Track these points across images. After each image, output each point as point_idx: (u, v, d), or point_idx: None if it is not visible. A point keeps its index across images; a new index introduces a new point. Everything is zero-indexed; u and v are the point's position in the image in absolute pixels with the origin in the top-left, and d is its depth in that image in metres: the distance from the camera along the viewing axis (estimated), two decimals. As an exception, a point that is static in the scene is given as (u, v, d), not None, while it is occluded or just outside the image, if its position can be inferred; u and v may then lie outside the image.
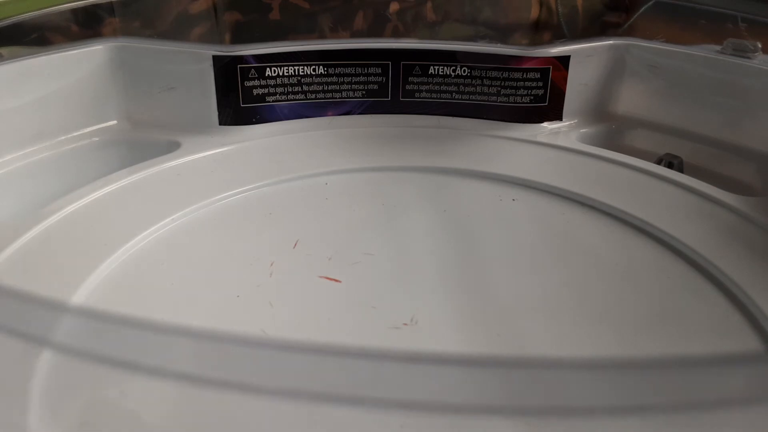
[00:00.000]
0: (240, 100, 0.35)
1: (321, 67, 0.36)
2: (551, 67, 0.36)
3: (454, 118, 0.37)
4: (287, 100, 0.36)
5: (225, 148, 0.33)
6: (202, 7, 0.40)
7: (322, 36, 0.40)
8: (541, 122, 0.36)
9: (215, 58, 0.34)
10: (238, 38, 0.40)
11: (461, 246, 0.28)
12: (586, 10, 0.41)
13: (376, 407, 0.13)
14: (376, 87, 0.36)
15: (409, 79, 0.36)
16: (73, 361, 0.20)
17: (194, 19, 0.39)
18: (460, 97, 0.37)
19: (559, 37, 0.39)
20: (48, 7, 0.35)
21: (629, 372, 0.09)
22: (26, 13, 0.34)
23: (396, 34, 0.41)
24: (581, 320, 0.23)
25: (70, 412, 0.18)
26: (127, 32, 0.36)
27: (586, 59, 0.36)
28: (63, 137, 0.33)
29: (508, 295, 0.25)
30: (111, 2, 0.36)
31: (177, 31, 0.39)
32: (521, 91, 0.36)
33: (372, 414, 0.17)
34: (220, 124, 0.35)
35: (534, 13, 0.41)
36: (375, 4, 0.41)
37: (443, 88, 0.36)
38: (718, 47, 0.35)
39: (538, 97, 0.36)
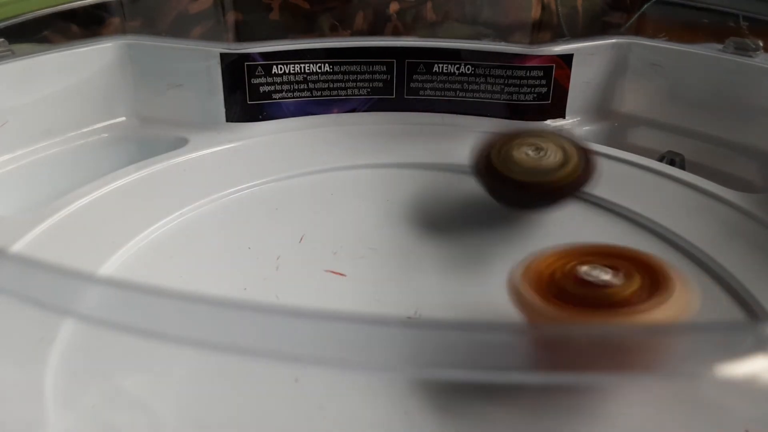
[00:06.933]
0: (247, 97, 0.35)
1: (327, 64, 0.36)
2: (554, 65, 0.36)
3: (458, 115, 0.37)
4: (293, 98, 0.36)
5: (232, 145, 0.34)
6: (205, 6, 0.40)
7: (322, 36, 0.41)
8: (544, 120, 0.37)
9: (222, 55, 0.34)
10: (237, 38, 0.40)
11: (465, 241, 0.28)
12: (586, 10, 0.42)
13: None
14: (381, 85, 0.37)
15: (414, 77, 0.37)
16: (84, 349, 0.20)
17: (199, 17, 0.40)
18: (464, 94, 0.37)
19: (560, 38, 0.39)
20: (57, 6, 0.35)
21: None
22: (35, 11, 0.34)
23: (396, 35, 0.41)
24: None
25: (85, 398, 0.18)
26: (133, 30, 0.37)
27: (589, 58, 0.36)
28: (72, 133, 0.34)
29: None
30: (120, 0, 0.37)
31: (183, 29, 0.39)
32: (525, 89, 0.36)
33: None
34: (227, 120, 0.35)
35: (534, 13, 0.42)
36: (375, 4, 0.41)
37: (447, 86, 0.37)
38: (719, 46, 0.35)
39: (542, 95, 0.36)
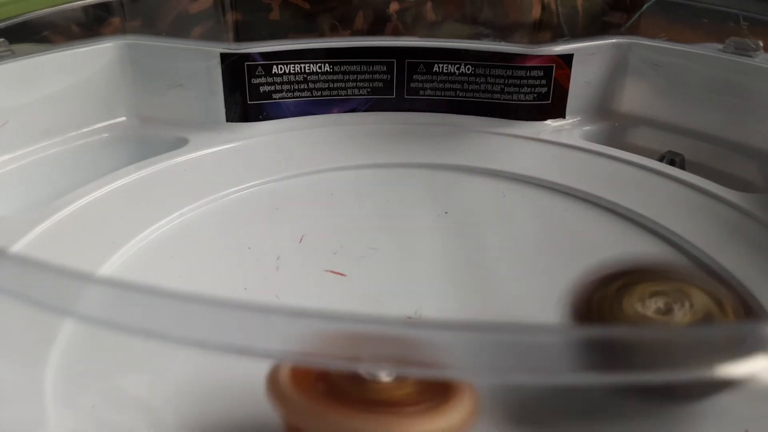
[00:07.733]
0: (247, 97, 0.35)
1: (327, 64, 0.36)
2: (554, 65, 0.36)
3: (458, 115, 0.37)
4: (293, 98, 0.36)
5: (232, 145, 0.34)
6: (205, 6, 0.40)
7: (322, 36, 0.41)
8: (545, 120, 0.37)
9: (223, 55, 0.34)
10: (237, 38, 0.40)
11: (465, 241, 0.28)
12: (586, 10, 0.42)
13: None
14: (381, 85, 0.37)
15: (414, 76, 0.37)
16: (84, 349, 0.20)
17: (199, 17, 0.40)
18: (464, 94, 0.37)
19: (560, 38, 0.39)
20: (57, 6, 0.35)
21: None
22: (35, 11, 0.34)
23: (396, 35, 0.41)
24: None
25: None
26: (133, 30, 0.37)
27: (589, 57, 0.36)
28: (73, 133, 0.34)
29: (511, 290, 0.25)
30: (120, 0, 0.37)
31: (183, 29, 0.39)
32: (525, 89, 0.36)
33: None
34: (227, 120, 0.35)
35: (534, 13, 0.42)
36: (375, 5, 0.41)
37: (447, 85, 0.37)
38: (720, 46, 0.35)
39: (542, 95, 0.36)
